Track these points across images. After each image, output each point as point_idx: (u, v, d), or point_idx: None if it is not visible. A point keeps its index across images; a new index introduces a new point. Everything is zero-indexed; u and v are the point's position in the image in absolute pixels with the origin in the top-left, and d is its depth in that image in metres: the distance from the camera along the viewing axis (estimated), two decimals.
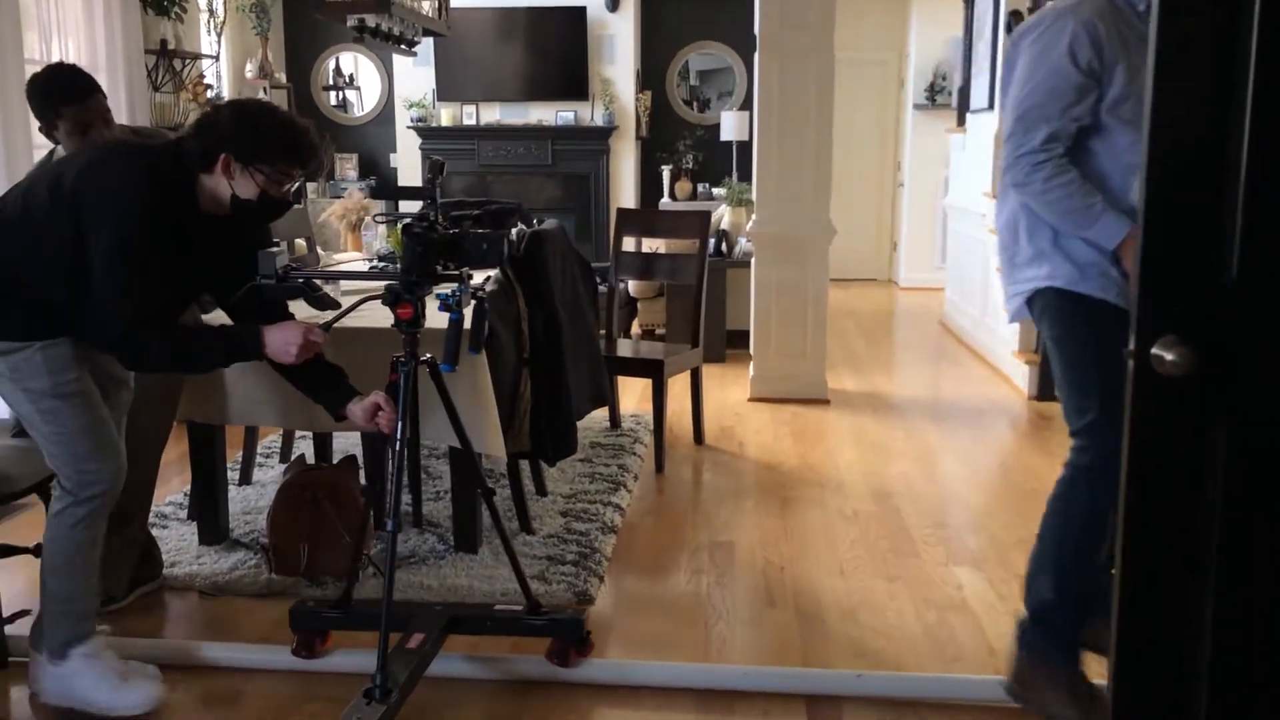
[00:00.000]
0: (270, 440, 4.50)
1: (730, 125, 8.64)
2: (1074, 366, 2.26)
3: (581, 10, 8.54)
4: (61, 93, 2.72)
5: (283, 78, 8.66)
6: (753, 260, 5.38)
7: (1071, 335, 2.25)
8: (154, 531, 3.34)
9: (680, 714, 2.47)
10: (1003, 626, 2.89)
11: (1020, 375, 5.57)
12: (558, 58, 8.65)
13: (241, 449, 4.03)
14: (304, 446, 4.28)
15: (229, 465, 3.63)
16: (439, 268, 2.36)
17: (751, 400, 5.34)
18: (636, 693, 2.55)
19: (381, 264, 4.02)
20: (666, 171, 9.03)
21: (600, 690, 2.55)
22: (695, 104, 9.33)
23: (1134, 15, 2.14)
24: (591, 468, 4.12)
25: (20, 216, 2.28)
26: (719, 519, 3.71)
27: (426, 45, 7.70)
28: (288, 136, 2.27)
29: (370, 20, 4.49)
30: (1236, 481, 1.54)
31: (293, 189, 2.35)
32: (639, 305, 6.50)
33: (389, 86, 9.05)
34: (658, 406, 4.23)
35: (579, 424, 3.53)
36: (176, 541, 3.40)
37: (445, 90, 8.74)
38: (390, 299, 2.35)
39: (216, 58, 7.66)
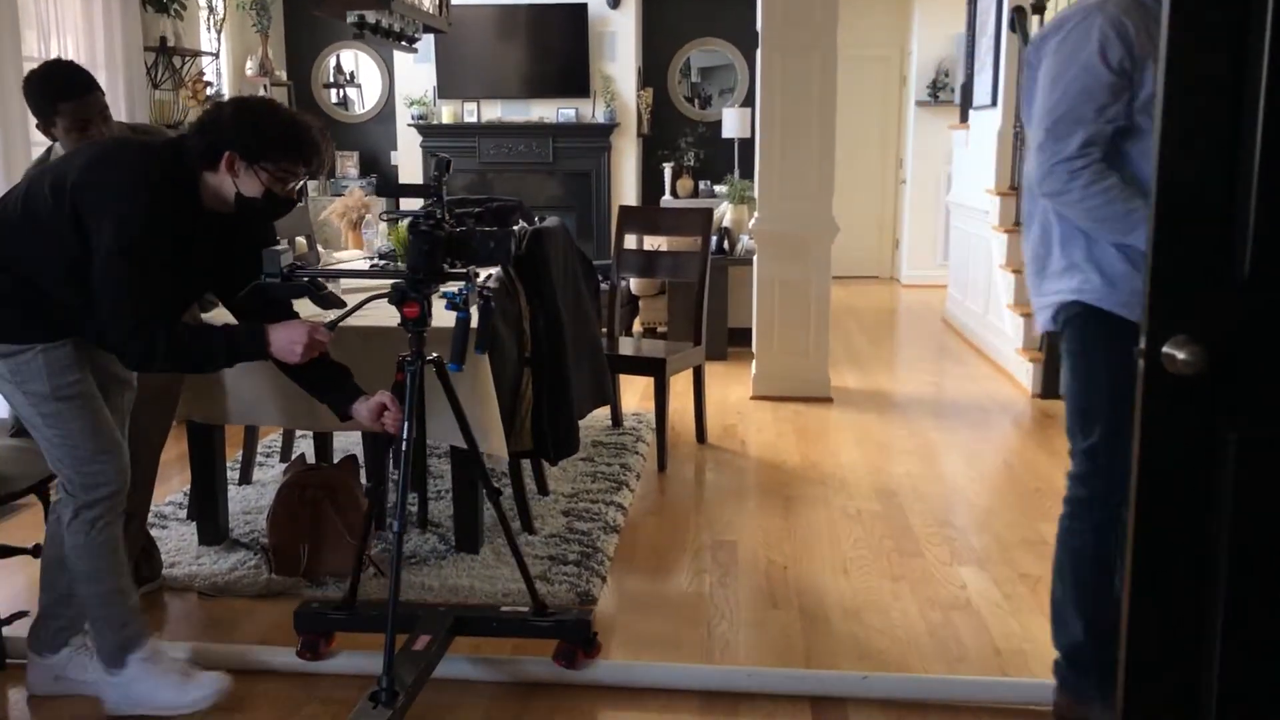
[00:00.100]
0: (270, 439, 4.48)
1: (732, 122, 8.61)
2: (1086, 385, 2.20)
3: (583, 7, 8.51)
4: (59, 89, 2.69)
5: (283, 75, 8.64)
6: (755, 258, 5.36)
7: (1090, 353, 2.19)
8: (153, 531, 3.32)
9: (684, 716, 2.45)
10: (1007, 627, 2.87)
11: (1024, 373, 5.54)
12: (559, 55, 8.62)
13: (241, 448, 4.02)
14: (304, 446, 4.26)
15: (229, 465, 3.61)
16: (445, 266, 2.34)
17: (754, 398, 5.31)
18: (640, 694, 2.53)
19: (382, 262, 4.01)
20: (668, 169, 9.00)
21: (604, 691, 2.54)
22: (696, 101, 9.30)
23: (1160, 11, 2.07)
24: (593, 467, 4.10)
25: (22, 216, 2.26)
26: (722, 518, 3.69)
27: (427, 42, 7.66)
28: (292, 134, 2.25)
29: (370, 16, 4.46)
30: (1247, 482, 1.53)
31: (297, 187, 2.33)
32: (640, 303, 6.48)
33: (390, 84, 9.03)
34: (660, 405, 4.21)
35: (581, 423, 3.51)
36: (176, 542, 3.39)
37: (446, 87, 8.72)
38: (396, 298, 2.33)
39: (216, 55, 7.63)
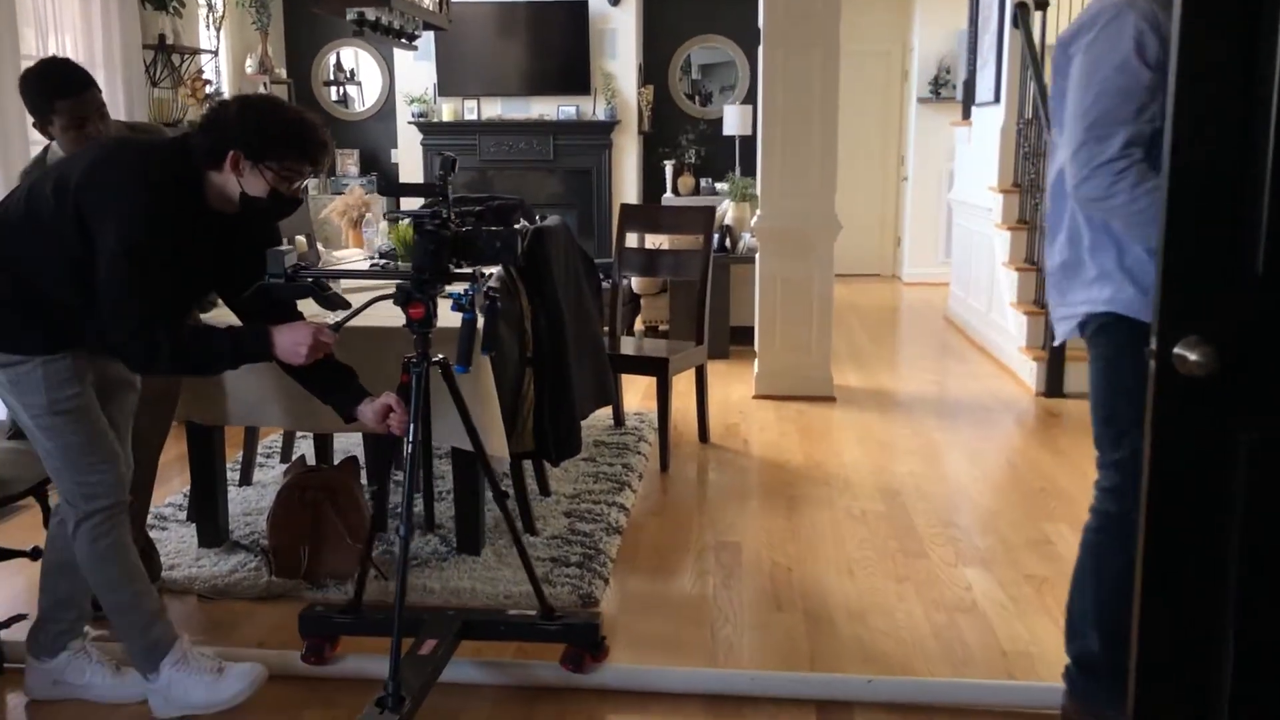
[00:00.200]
0: (271, 440, 4.45)
1: (733, 119, 8.58)
2: (1117, 395, 2.12)
3: (583, 4, 8.48)
4: (56, 87, 2.67)
5: (283, 73, 8.61)
6: (757, 256, 5.34)
7: (1119, 360, 2.12)
8: (153, 533, 3.30)
9: None
10: (1013, 629, 2.85)
11: (1027, 371, 5.52)
12: (559, 52, 8.59)
13: (241, 449, 3.99)
14: (304, 447, 4.24)
15: (229, 466, 3.59)
16: (451, 266, 2.31)
17: (756, 397, 5.29)
18: (644, 698, 2.51)
19: (383, 261, 3.99)
20: (669, 166, 8.98)
21: (608, 695, 2.51)
22: (697, 98, 9.27)
23: None
24: (595, 467, 4.08)
25: (24, 217, 2.23)
26: (725, 519, 3.67)
27: (427, 40, 7.64)
28: (297, 133, 2.22)
29: (370, 14, 4.44)
30: (1260, 483, 1.51)
31: (302, 186, 2.30)
32: (642, 301, 6.45)
33: (390, 81, 9.00)
34: (662, 405, 4.19)
35: (582, 422, 3.48)
36: (176, 544, 3.36)
37: (446, 85, 8.69)
38: (402, 298, 2.30)
39: (215, 53, 7.60)
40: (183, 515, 3.59)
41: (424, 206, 2.37)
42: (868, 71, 9.45)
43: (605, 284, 4.37)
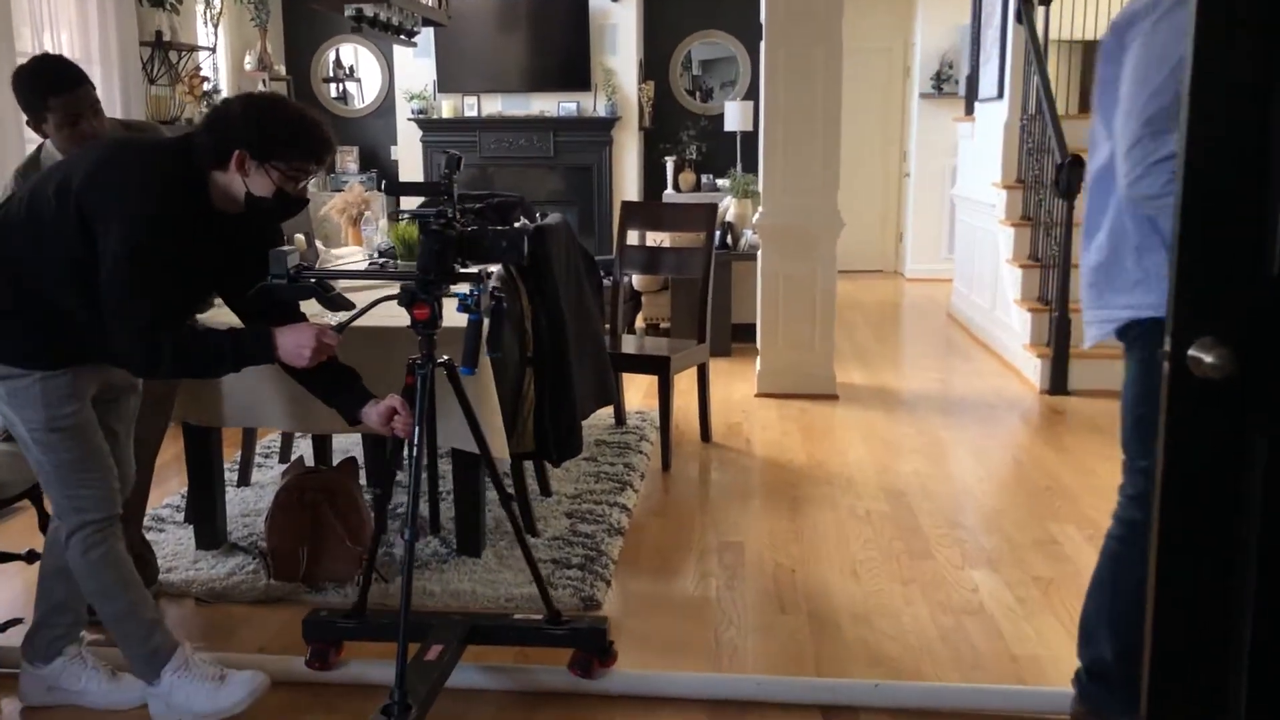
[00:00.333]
0: (269, 440, 4.42)
1: (734, 115, 8.54)
2: (1153, 399, 2.03)
3: (583, 0, 8.44)
4: (49, 84, 2.63)
5: (282, 70, 8.56)
6: (759, 253, 5.30)
7: (1160, 365, 2.06)
8: (150, 535, 3.27)
9: None
10: (1021, 631, 2.81)
11: (1031, 368, 5.48)
12: (559, 48, 8.55)
13: (239, 449, 3.96)
14: (303, 446, 4.20)
15: (227, 466, 3.55)
16: (457, 266, 2.27)
17: (758, 396, 5.25)
18: (650, 703, 2.47)
19: (382, 259, 3.95)
20: (670, 163, 8.94)
21: (613, 700, 2.48)
22: (698, 94, 9.23)
23: None
24: (597, 466, 4.04)
25: (26, 219, 2.19)
26: (728, 519, 3.63)
27: (427, 36, 7.60)
28: (303, 131, 2.18)
29: (368, 10, 4.40)
30: (1277, 487, 1.48)
31: (308, 185, 2.27)
32: (643, 299, 6.42)
33: (389, 78, 8.96)
34: (664, 404, 4.15)
35: (584, 421, 3.45)
36: (173, 546, 3.33)
37: (446, 81, 8.64)
38: (406, 299, 2.26)
39: (213, 50, 7.55)
40: (180, 517, 3.55)
41: (423, 205, 2.33)
42: (869, 68, 9.40)
43: (606, 281, 4.33)
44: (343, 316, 2.29)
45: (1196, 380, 1.48)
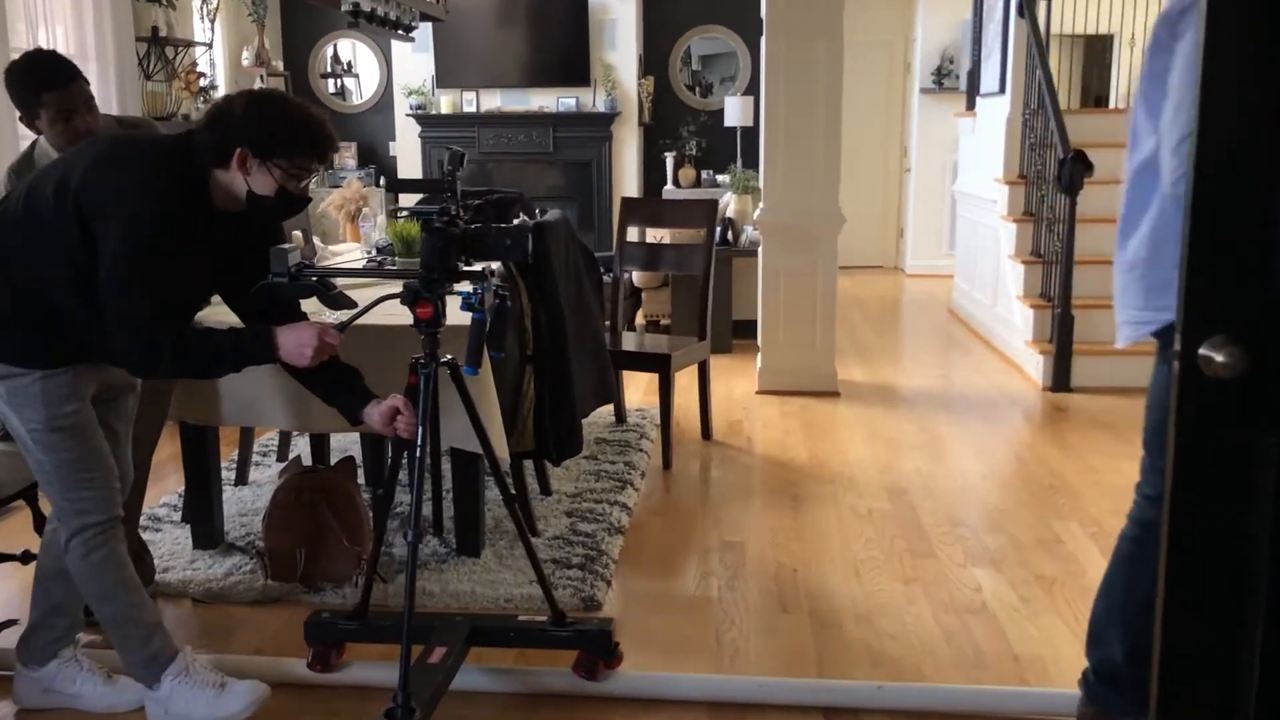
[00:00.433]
0: (267, 438, 4.39)
1: (734, 110, 8.51)
2: None
3: None
4: (43, 79, 2.60)
5: (280, 65, 8.52)
6: (760, 250, 5.27)
7: None
8: (146, 535, 3.25)
9: None
10: (1025, 631, 2.79)
11: (1034, 365, 5.45)
12: (559, 43, 8.51)
13: (237, 448, 3.93)
14: (301, 445, 4.18)
15: (224, 465, 3.53)
16: (460, 264, 2.24)
17: (759, 393, 5.23)
18: (649, 705, 2.44)
19: (380, 256, 3.92)
20: (670, 158, 8.90)
21: (615, 702, 2.46)
22: (698, 89, 9.19)
23: None
24: (597, 465, 4.02)
25: (23, 217, 2.17)
26: (729, 518, 3.61)
27: (425, 31, 7.56)
28: (306, 129, 2.15)
29: (365, 4, 4.36)
30: None
31: (309, 183, 2.24)
32: (643, 296, 6.39)
33: (388, 73, 8.92)
34: (664, 402, 4.12)
35: (584, 420, 3.42)
36: (170, 546, 3.30)
37: (444, 77, 8.61)
38: (409, 298, 2.23)
39: (210, 45, 7.51)
40: (177, 516, 3.53)
41: (420, 203, 2.30)
42: (869, 62, 9.36)
43: (606, 278, 4.30)
44: (344, 315, 2.26)
45: (1208, 380, 1.45)
